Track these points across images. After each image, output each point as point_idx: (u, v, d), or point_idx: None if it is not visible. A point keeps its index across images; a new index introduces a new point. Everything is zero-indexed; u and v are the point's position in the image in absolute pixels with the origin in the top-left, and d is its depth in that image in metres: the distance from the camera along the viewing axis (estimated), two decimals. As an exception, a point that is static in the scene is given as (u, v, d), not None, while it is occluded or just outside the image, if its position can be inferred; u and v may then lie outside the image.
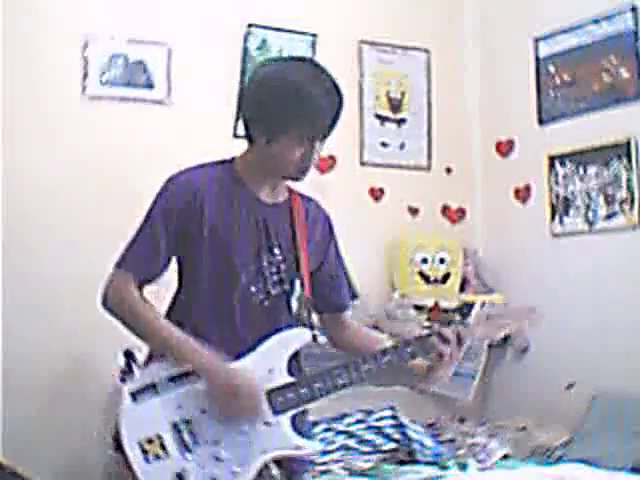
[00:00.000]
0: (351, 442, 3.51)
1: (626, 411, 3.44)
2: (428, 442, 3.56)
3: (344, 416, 3.57)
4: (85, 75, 3.46)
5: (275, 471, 2.06)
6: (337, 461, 3.44)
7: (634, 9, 3.63)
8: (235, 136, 3.74)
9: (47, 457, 3.25)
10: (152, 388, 2.00)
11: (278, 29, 3.85)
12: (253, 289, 2.09)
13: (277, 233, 2.14)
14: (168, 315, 2.13)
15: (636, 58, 3.62)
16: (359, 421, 3.57)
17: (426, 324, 3.87)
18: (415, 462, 3.48)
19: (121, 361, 2.99)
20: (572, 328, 3.82)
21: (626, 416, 3.42)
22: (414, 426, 3.61)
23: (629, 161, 3.63)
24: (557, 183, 3.95)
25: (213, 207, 2.07)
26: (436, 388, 4.02)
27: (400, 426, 3.57)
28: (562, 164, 3.92)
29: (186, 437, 1.98)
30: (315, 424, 3.51)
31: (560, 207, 3.93)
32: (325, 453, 3.44)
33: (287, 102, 2.01)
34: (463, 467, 3.42)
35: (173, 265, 2.13)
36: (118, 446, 1.99)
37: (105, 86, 3.50)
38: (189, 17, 3.68)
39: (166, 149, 3.45)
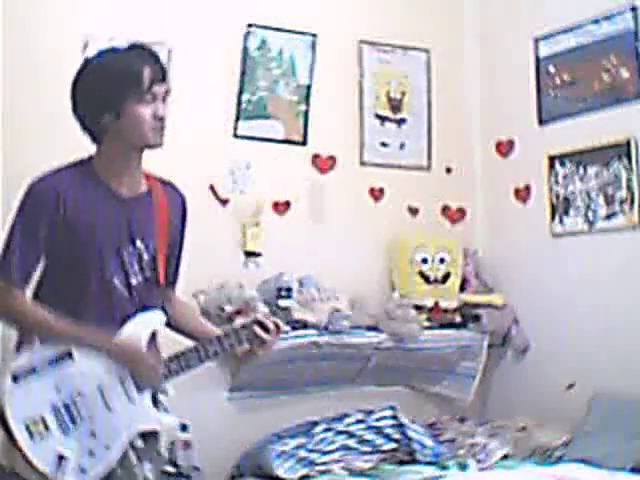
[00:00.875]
0: (351, 442, 3.51)
1: (626, 411, 3.44)
2: (428, 442, 3.57)
3: (344, 416, 3.58)
4: (85, 75, 3.46)
5: (139, 441, 2.27)
6: (337, 461, 3.44)
7: (634, 9, 3.63)
8: (235, 136, 3.75)
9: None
10: (32, 371, 2.18)
11: (278, 29, 3.85)
12: (116, 281, 2.27)
13: (139, 226, 2.30)
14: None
15: (636, 58, 3.62)
16: (359, 421, 3.57)
17: (426, 324, 3.87)
18: (415, 462, 3.48)
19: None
20: (572, 328, 3.82)
21: (626, 416, 3.42)
22: (414, 426, 3.61)
23: (629, 161, 3.63)
24: (557, 183, 3.95)
25: (72, 210, 2.22)
26: (437, 389, 4.06)
27: (400, 426, 3.57)
28: (562, 164, 3.92)
29: (65, 418, 2.18)
30: (315, 424, 3.51)
31: (560, 207, 3.93)
32: (325, 453, 3.44)
33: (111, 75, 2.23)
34: (463, 467, 3.43)
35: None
36: (4, 424, 2.16)
37: (105, 86, 3.49)
38: (189, 17, 3.68)
39: (166, 149, 3.44)
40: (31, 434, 2.15)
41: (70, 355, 2.20)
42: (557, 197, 3.95)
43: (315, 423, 3.53)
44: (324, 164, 3.97)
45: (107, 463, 2.18)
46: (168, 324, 2.41)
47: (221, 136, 3.71)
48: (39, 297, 2.27)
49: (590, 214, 3.80)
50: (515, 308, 4.05)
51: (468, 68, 4.41)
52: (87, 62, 2.36)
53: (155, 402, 2.29)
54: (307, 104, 3.92)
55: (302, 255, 3.75)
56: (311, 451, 3.42)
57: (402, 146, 4.19)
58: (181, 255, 2.48)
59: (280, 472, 3.30)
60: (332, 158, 4.00)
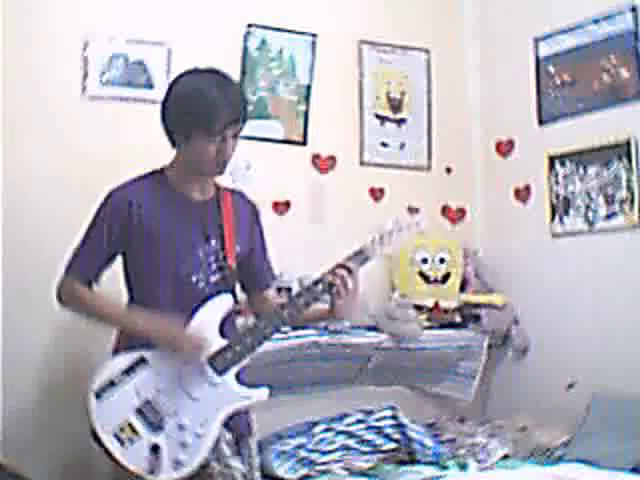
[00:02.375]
0: (351, 442, 3.51)
1: (626, 411, 3.44)
2: (428, 442, 3.57)
3: (344, 416, 3.58)
4: (85, 75, 3.46)
5: (229, 437, 2.37)
6: (337, 461, 3.44)
7: (634, 9, 3.63)
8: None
9: (47, 457, 3.25)
10: (110, 384, 2.30)
11: (278, 29, 3.85)
12: (194, 278, 2.39)
13: (210, 225, 2.43)
14: None
15: (636, 58, 3.62)
16: (359, 421, 3.57)
17: (426, 324, 3.87)
18: (415, 462, 3.48)
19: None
20: (572, 328, 3.82)
21: (626, 416, 3.42)
22: (414, 426, 3.61)
23: (629, 161, 3.63)
24: (557, 183, 3.95)
25: (148, 215, 2.38)
26: (437, 389, 4.06)
27: (400, 426, 3.57)
28: (562, 164, 3.92)
29: (150, 416, 2.27)
30: (315, 424, 3.51)
31: (560, 207, 3.93)
32: (325, 453, 3.44)
33: (187, 105, 2.36)
34: (463, 467, 3.43)
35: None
36: (99, 441, 2.27)
37: (105, 86, 3.50)
38: (189, 17, 3.68)
39: (166, 149, 3.45)
40: (121, 441, 2.25)
41: (144, 360, 2.32)
42: (557, 197, 3.95)
43: (315, 423, 3.53)
44: (324, 164, 3.97)
45: (202, 452, 2.26)
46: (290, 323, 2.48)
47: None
48: (132, 297, 2.44)
49: (590, 214, 3.80)
50: (515, 308, 4.05)
51: (468, 68, 4.41)
52: (178, 78, 2.46)
53: (239, 380, 2.34)
54: (307, 104, 3.92)
55: (302, 255, 3.75)
56: (311, 451, 3.42)
57: (402, 146, 4.19)
58: (266, 258, 2.62)
59: (280, 472, 3.30)
60: (332, 158, 4.00)
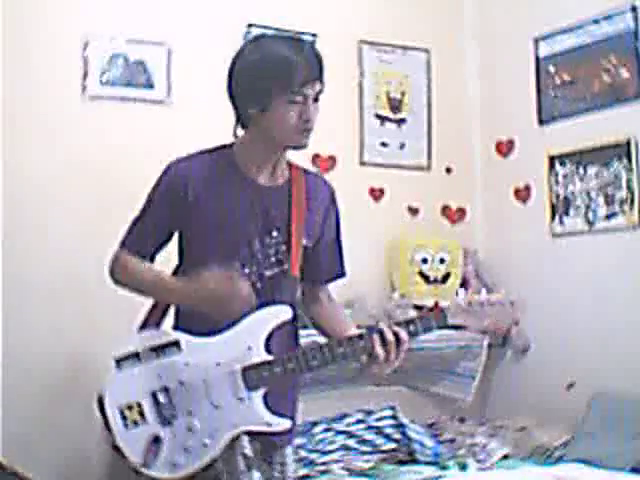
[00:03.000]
0: (351, 442, 3.51)
1: (626, 411, 3.44)
2: (428, 442, 3.57)
3: (344, 416, 3.58)
4: (85, 75, 3.46)
5: (248, 450, 2.13)
6: (337, 461, 3.44)
7: (634, 9, 3.63)
8: (235, 136, 3.74)
9: (47, 457, 3.25)
10: (135, 357, 2.10)
11: (278, 29, 3.85)
12: (247, 271, 2.17)
13: (276, 216, 2.21)
14: None
15: (636, 58, 3.62)
16: (359, 421, 3.57)
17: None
18: (415, 462, 3.48)
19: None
20: (572, 328, 3.82)
21: (626, 416, 3.42)
22: (414, 426, 3.61)
23: (629, 161, 3.63)
24: (557, 183, 3.95)
25: (208, 194, 2.16)
26: (438, 389, 4.06)
27: (400, 426, 3.58)
28: (562, 164, 3.92)
29: (163, 406, 2.08)
30: (315, 424, 3.51)
31: (560, 207, 3.93)
32: (325, 453, 3.44)
33: (265, 68, 2.13)
34: (463, 467, 3.42)
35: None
36: (102, 408, 2.11)
37: (105, 86, 3.50)
38: (189, 17, 3.68)
39: (166, 149, 3.44)
40: (125, 419, 2.08)
41: (177, 344, 2.11)
42: (557, 197, 3.95)
43: (315, 423, 3.53)
44: (324, 164, 3.97)
45: (201, 462, 2.08)
46: (314, 325, 2.34)
47: (221, 137, 3.70)
48: (179, 268, 2.24)
49: (590, 214, 3.80)
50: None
51: (468, 68, 4.41)
52: (243, 48, 2.28)
53: (266, 403, 2.12)
54: (307, 104, 3.91)
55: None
56: (311, 451, 3.42)
57: (402, 146, 4.19)
58: (334, 251, 2.38)
59: (280, 472, 3.30)
60: (332, 158, 4.00)
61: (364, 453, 3.50)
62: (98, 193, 3.40)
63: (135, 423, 2.08)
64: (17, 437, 3.19)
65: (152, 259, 2.23)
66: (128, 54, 3.54)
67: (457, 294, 2.25)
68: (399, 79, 4.21)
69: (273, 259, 2.20)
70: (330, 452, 3.46)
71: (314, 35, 3.92)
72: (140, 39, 3.56)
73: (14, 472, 2.94)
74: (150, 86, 3.58)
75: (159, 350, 2.11)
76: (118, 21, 3.53)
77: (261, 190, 2.22)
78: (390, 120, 4.17)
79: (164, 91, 3.59)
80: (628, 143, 3.63)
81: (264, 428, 2.12)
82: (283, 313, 2.18)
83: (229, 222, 2.17)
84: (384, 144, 4.15)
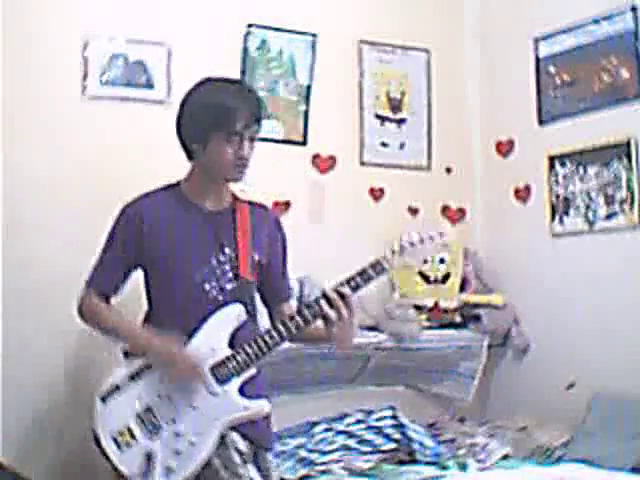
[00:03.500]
0: (351, 442, 3.51)
1: (626, 411, 3.44)
2: (428, 442, 3.56)
3: (344, 416, 3.58)
4: (85, 75, 3.46)
5: (242, 445, 2.34)
6: (337, 461, 3.44)
7: (634, 9, 3.63)
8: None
9: (47, 457, 3.25)
10: (116, 389, 2.37)
11: (278, 29, 3.85)
12: (207, 287, 2.40)
13: (224, 234, 2.44)
14: (145, 323, 2.50)
15: (636, 58, 3.62)
16: (359, 421, 3.57)
17: (426, 324, 3.87)
18: (415, 462, 3.48)
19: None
20: (572, 328, 3.82)
21: (626, 416, 3.42)
22: (414, 426, 3.61)
23: (629, 161, 3.63)
24: (557, 183, 3.95)
25: (163, 227, 2.42)
26: (438, 389, 4.06)
27: (400, 426, 3.57)
28: (562, 164, 3.92)
29: (148, 422, 2.32)
30: (315, 424, 3.52)
31: (560, 207, 3.93)
32: (325, 453, 3.44)
33: (205, 108, 2.39)
34: (463, 467, 3.43)
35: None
36: (97, 443, 2.35)
37: (105, 86, 3.49)
38: (189, 17, 3.68)
39: (166, 149, 3.44)
40: (118, 445, 2.31)
41: (149, 367, 2.36)
42: (557, 197, 3.95)
43: (315, 423, 3.53)
44: (324, 164, 3.97)
45: (195, 462, 2.27)
46: (291, 340, 2.43)
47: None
48: (151, 307, 2.49)
49: (590, 214, 3.80)
50: (515, 308, 4.05)
51: (468, 68, 4.41)
52: (192, 90, 2.50)
53: (242, 390, 2.33)
54: (307, 104, 3.92)
55: (302, 255, 3.74)
56: (311, 451, 3.42)
57: (402, 146, 4.19)
58: (286, 272, 2.63)
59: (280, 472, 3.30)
60: (332, 158, 4.00)
61: (364, 453, 3.50)
62: (98, 193, 3.40)
63: (128, 444, 2.31)
64: (17, 437, 3.19)
65: (115, 292, 2.50)
66: (128, 54, 3.53)
67: (393, 244, 2.42)
68: (399, 79, 4.20)
69: (230, 274, 2.42)
70: (330, 452, 3.45)
71: (314, 35, 3.92)
72: (140, 39, 3.55)
73: (14, 472, 2.94)
74: (150, 86, 3.58)
75: (135, 376, 2.36)
76: (118, 21, 3.53)
77: (209, 214, 2.46)
78: (390, 120, 4.17)
79: (164, 91, 3.59)
80: (628, 143, 3.63)
81: (243, 412, 2.31)
82: (236, 311, 2.39)
83: (187, 246, 2.40)
84: (384, 144, 4.14)
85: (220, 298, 2.39)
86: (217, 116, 2.35)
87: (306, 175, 3.95)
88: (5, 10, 3.28)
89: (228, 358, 2.32)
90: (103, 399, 2.36)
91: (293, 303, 2.73)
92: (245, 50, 3.77)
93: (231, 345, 2.36)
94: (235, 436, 2.33)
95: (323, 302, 2.32)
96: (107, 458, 2.31)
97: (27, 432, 3.24)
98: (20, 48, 3.33)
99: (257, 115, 2.42)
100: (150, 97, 3.57)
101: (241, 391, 2.33)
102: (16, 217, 3.27)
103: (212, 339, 2.35)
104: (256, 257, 2.47)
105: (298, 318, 2.33)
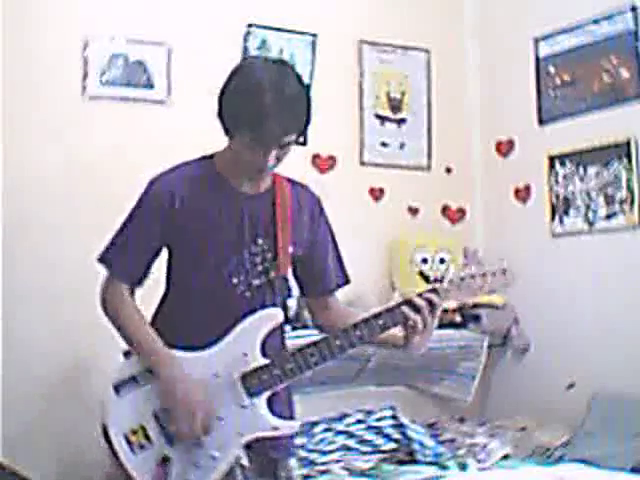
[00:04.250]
0: (351, 442, 3.51)
1: (626, 411, 3.44)
2: (428, 442, 3.56)
3: (344, 416, 3.57)
4: (85, 75, 3.46)
5: (245, 460, 2.11)
6: (337, 461, 3.44)
7: (634, 9, 3.63)
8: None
9: (47, 457, 3.25)
10: (133, 380, 2.09)
11: (278, 29, 3.85)
12: (235, 281, 2.15)
13: (260, 223, 2.18)
14: (160, 309, 2.23)
15: (636, 58, 3.62)
16: (359, 421, 3.57)
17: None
18: (415, 462, 3.48)
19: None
20: (572, 328, 3.82)
21: (626, 416, 3.42)
22: (414, 426, 3.61)
23: (629, 161, 3.63)
24: (557, 183, 3.95)
25: (193, 206, 2.13)
26: (438, 389, 4.06)
27: (400, 426, 3.57)
28: (562, 164, 3.92)
29: (167, 425, 2.06)
30: (315, 424, 3.51)
31: (560, 207, 3.93)
32: (325, 453, 3.44)
33: (238, 104, 2.07)
34: (463, 467, 3.42)
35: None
36: (106, 437, 2.09)
37: (105, 86, 3.50)
38: (189, 17, 3.68)
39: (166, 149, 3.45)
40: (131, 445, 2.06)
41: None
42: (557, 197, 3.95)
43: (315, 423, 3.53)
44: (324, 164, 3.97)
45: (214, 475, 2.05)
46: (319, 328, 2.31)
47: (221, 136, 3.70)
48: (168, 289, 2.22)
49: (590, 214, 3.80)
50: (515, 308, 4.05)
51: (468, 68, 4.41)
52: (240, 67, 2.16)
53: (271, 406, 2.11)
54: (307, 104, 3.91)
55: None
56: (311, 451, 3.42)
57: (402, 146, 4.19)
58: (332, 259, 2.33)
59: (280, 472, 3.30)
60: (332, 158, 4.00)
61: (364, 453, 3.50)
62: (98, 193, 3.40)
63: (142, 447, 2.06)
64: (17, 437, 3.19)
65: (141, 281, 2.18)
66: (128, 54, 3.54)
67: (448, 272, 2.22)
68: (399, 79, 4.20)
69: (260, 267, 2.18)
70: (330, 452, 3.45)
71: (314, 35, 3.92)
72: (140, 39, 3.56)
73: (14, 472, 2.94)
74: (150, 86, 3.58)
75: None
76: (118, 21, 3.53)
77: (244, 198, 2.18)
78: (390, 120, 4.17)
79: (164, 91, 3.59)
80: (628, 143, 3.63)
81: (271, 433, 2.10)
82: (276, 316, 2.17)
83: (218, 234, 2.14)
84: (384, 144, 4.14)
85: (247, 294, 2.15)
86: (246, 120, 2.03)
87: (306, 175, 3.93)
88: (5, 10, 3.28)
89: (261, 368, 2.08)
90: (117, 390, 2.08)
91: (292, 302, 2.49)
92: (245, 50, 3.78)
93: (261, 351, 2.12)
94: (241, 452, 2.11)
95: (406, 309, 2.12)
96: (115, 456, 2.08)
97: (27, 432, 3.24)
98: (20, 48, 3.33)
99: (290, 127, 2.05)
100: (150, 97, 3.58)
101: (269, 405, 2.11)
102: (16, 217, 3.27)
103: (245, 343, 2.11)
104: (291, 250, 2.21)
105: (361, 330, 2.12)
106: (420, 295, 2.15)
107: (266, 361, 2.10)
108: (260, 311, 2.14)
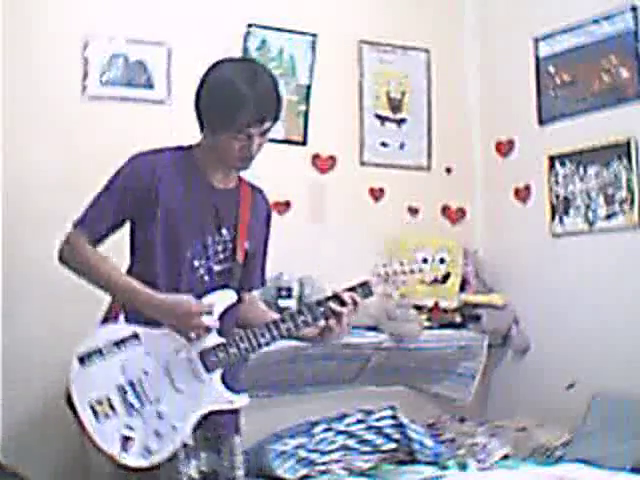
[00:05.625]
0: (351, 442, 3.51)
1: (626, 411, 3.44)
2: (428, 442, 3.56)
3: (344, 416, 3.57)
4: (85, 75, 3.46)
5: (189, 439, 2.24)
6: (337, 461, 3.44)
7: (634, 9, 3.63)
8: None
9: (47, 457, 3.25)
10: (98, 352, 2.22)
11: (278, 29, 3.86)
12: (196, 263, 2.32)
13: (225, 215, 2.37)
14: None
15: (636, 58, 3.62)
16: (359, 421, 3.57)
17: (426, 324, 3.87)
18: (415, 462, 3.48)
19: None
20: (572, 328, 3.82)
21: (626, 416, 3.42)
22: (414, 426, 3.61)
23: (629, 161, 3.63)
24: (557, 183, 3.95)
25: (167, 189, 2.30)
26: (438, 389, 4.06)
27: (400, 426, 3.57)
28: (562, 164, 3.92)
29: (131, 397, 2.20)
30: (315, 424, 3.51)
31: (560, 207, 3.93)
32: (325, 453, 3.44)
33: (217, 99, 2.29)
34: (463, 467, 3.43)
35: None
36: (71, 406, 2.20)
37: (105, 86, 3.50)
38: (189, 17, 3.68)
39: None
40: (96, 415, 2.17)
41: (137, 336, 2.23)
42: (557, 197, 3.95)
43: (315, 423, 3.53)
44: (324, 164, 3.97)
45: (174, 444, 2.20)
46: (237, 325, 2.40)
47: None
48: (132, 264, 2.36)
49: (590, 214, 3.80)
50: (515, 308, 4.05)
51: (468, 68, 4.41)
52: (212, 67, 2.38)
53: (225, 383, 2.27)
54: (307, 104, 3.92)
55: (302, 255, 3.75)
56: (311, 451, 3.42)
57: (402, 146, 4.19)
58: (264, 263, 2.54)
59: (280, 472, 3.30)
60: (332, 158, 4.00)
61: (364, 453, 3.50)
62: (98, 193, 3.40)
63: (106, 416, 2.18)
64: (17, 437, 3.19)
65: (101, 241, 2.33)
66: (128, 54, 3.54)
67: (375, 266, 2.50)
68: (399, 79, 4.21)
69: (222, 255, 2.35)
70: (330, 452, 3.45)
71: (314, 35, 3.92)
72: (140, 39, 3.56)
73: (14, 472, 2.94)
74: (150, 86, 3.58)
75: (120, 343, 2.23)
76: (118, 21, 3.53)
77: (215, 191, 2.37)
78: (390, 120, 4.17)
79: (164, 91, 3.59)
80: (628, 143, 3.63)
81: (227, 405, 2.28)
82: (229, 297, 2.32)
83: (186, 218, 2.31)
84: (384, 144, 4.15)
85: (207, 278, 2.32)
86: (224, 111, 2.26)
87: (306, 175, 3.95)
88: (5, 10, 3.28)
89: (219, 346, 2.26)
90: (82, 360, 2.21)
91: (256, 293, 2.65)
92: (245, 50, 3.78)
93: (217, 330, 2.28)
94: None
95: (333, 303, 2.32)
96: (81, 426, 2.17)
97: (27, 432, 3.24)
98: (20, 48, 3.33)
99: (268, 113, 2.29)
100: (150, 97, 3.58)
101: (223, 380, 2.27)
102: (16, 216, 3.27)
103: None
104: (246, 245, 2.40)
105: (299, 317, 2.31)
106: (350, 289, 2.36)
107: (222, 340, 2.26)
108: (214, 292, 2.30)
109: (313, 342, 2.45)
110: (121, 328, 2.25)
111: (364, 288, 2.39)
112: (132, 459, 2.16)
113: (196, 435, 2.27)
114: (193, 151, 2.40)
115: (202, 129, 2.37)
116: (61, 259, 2.37)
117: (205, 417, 2.26)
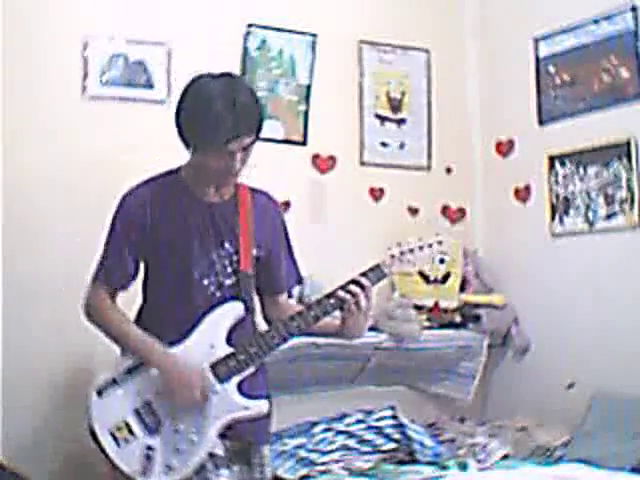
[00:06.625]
0: (351, 442, 3.51)
1: (626, 411, 3.44)
2: (428, 442, 3.56)
3: (344, 416, 3.58)
4: (85, 75, 3.46)
5: (218, 449, 2.31)
6: (337, 461, 3.44)
7: (634, 9, 3.63)
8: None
9: (47, 457, 3.25)
10: (113, 382, 2.32)
11: (278, 29, 3.85)
12: (205, 282, 2.35)
13: (225, 229, 2.39)
14: (139, 317, 2.44)
15: (636, 58, 3.62)
16: (359, 421, 3.57)
17: (426, 324, 3.87)
18: (415, 462, 3.48)
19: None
20: (572, 328, 3.82)
21: (626, 416, 3.42)
22: (414, 426, 3.61)
23: (629, 161, 3.63)
24: (557, 183, 3.95)
25: (163, 216, 2.35)
26: (438, 389, 4.06)
27: (400, 426, 3.57)
28: (562, 164, 3.92)
29: (147, 418, 2.28)
30: (315, 424, 3.52)
31: (560, 207, 3.93)
32: (325, 453, 3.44)
33: (194, 118, 2.27)
34: (463, 467, 3.43)
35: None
36: (94, 437, 2.29)
37: (105, 86, 3.50)
38: (189, 17, 3.68)
39: (166, 149, 3.44)
40: (117, 440, 2.27)
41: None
42: (557, 197, 3.95)
43: (315, 423, 3.53)
44: (324, 164, 3.97)
45: (195, 458, 2.24)
46: (300, 333, 2.39)
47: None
48: (145, 300, 2.43)
49: (590, 214, 3.80)
50: (515, 308, 4.05)
51: (468, 68, 4.41)
52: (190, 84, 2.35)
53: (241, 390, 2.30)
54: (307, 104, 3.92)
55: (302, 255, 3.73)
56: (311, 451, 3.42)
57: (402, 146, 4.19)
58: (287, 261, 2.55)
59: (280, 472, 3.30)
60: (332, 158, 4.00)
61: (364, 453, 3.50)
62: (98, 193, 3.39)
63: (126, 440, 2.26)
64: (17, 437, 3.19)
65: (126, 283, 2.40)
66: (128, 54, 3.54)
67: (389, 248, 2.51)
68: (399, 79, 4.20)
69: (229, 269, 2.38)
70: (330, 452, 3.45)
71: (314, 35, 3.92)
72: (140, 39, 3.56)
73: (14, 472, 2.94)
74: (150, 86, 3.58)
75: (133, 370, 2.32)
76: (118, 21, 3.53)
77: (209, 206, 2.39)
78: (390, 120, 4.17)
79: (164, 91, 3.59)
80: (628, 143, 3.63)
81: (243, 413, 2.29)
82: (236, 309, 2.36)
83: (187, 240, 2.34)
84: (384, 144, 4.15)
85: (218, 294, 2.35)
86: (201, 130, 2.24)
87: (306, 175, 3.95)
88: (5, 10, 3.28)
89: (228, 356, 2.29)
90: (99, 393, 2.31)
91: (292, 300, 2.68)
92: (245, 50, 3.78)
93: (229, 341, 2.32)
94: (216, 439, 2.30)
95: (342, 293, 2.34)
96: (105, 454, 2.27)
97: (27, 432, 3.24)
98: (20, 48, 3.33)
99: (246, 129, 2.27)
100: (150, 97, 3.58)
101: (240, 388, 2.30)
102: (16, 216, 3.27)
103: (211, 336, 2.32)
104: (254, 252, 2.41)
105: (308, 313, 2.32)
106: (363, 274, 2.40)
107: (231, 349, 2.30)
108: (220, 306, 2.34)
109: (336, 336, 2.45)
110: (132, 357, 2.33)
111: (376, 272, 2.42)
112: (153, 478, 2.23)
113: (226, 445, 2.32)
114: (182, 172, 2.42)
115: (187, 147, 2.36)
116: (87, 316, 2.42)
117: (229, 427, 2.29)
